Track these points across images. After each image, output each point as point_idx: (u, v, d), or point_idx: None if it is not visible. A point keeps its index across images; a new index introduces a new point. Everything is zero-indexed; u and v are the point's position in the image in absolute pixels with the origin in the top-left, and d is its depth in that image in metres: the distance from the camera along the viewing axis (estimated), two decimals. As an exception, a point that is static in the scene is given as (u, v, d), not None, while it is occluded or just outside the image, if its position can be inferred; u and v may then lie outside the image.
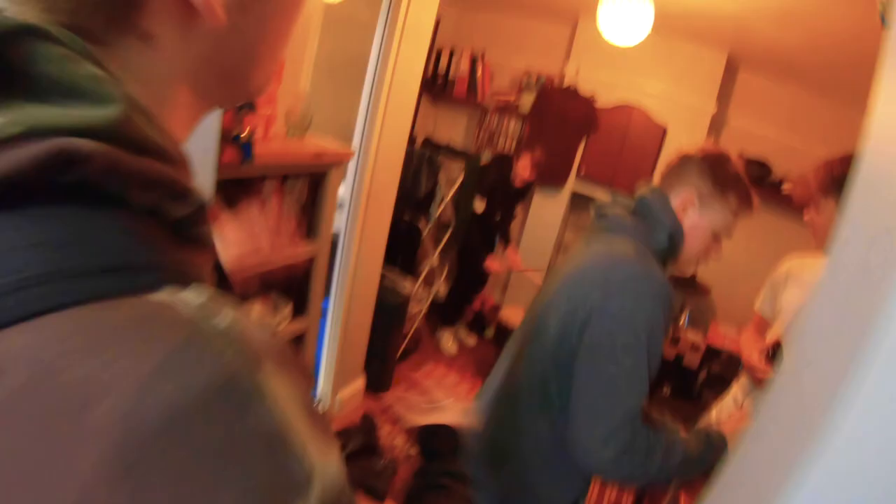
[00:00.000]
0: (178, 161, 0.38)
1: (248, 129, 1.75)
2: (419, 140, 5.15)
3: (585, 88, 5.07)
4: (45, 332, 0.27)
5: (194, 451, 0.26)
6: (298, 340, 2.54)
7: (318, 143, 2.40)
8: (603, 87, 5.04)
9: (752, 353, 2.04)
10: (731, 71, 4.76)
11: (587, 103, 5.03)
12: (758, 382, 1.98)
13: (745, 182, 1.50)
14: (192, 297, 0.31)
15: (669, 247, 1.49)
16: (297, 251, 2.36)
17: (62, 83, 0.32)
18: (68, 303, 0.28)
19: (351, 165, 3.12)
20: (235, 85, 0.48)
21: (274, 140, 2.19)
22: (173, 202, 0.35)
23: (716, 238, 1.53)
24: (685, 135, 4.77)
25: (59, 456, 0.24)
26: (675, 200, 1.51)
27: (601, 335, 1.34)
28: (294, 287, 2.49)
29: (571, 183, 5.24)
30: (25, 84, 0.32)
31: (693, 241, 1.51)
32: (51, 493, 0.23)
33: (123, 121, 0.33)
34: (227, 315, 0.31)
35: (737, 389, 2.25)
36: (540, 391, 1.47)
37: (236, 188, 2.11)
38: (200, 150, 1.64)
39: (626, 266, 1.39)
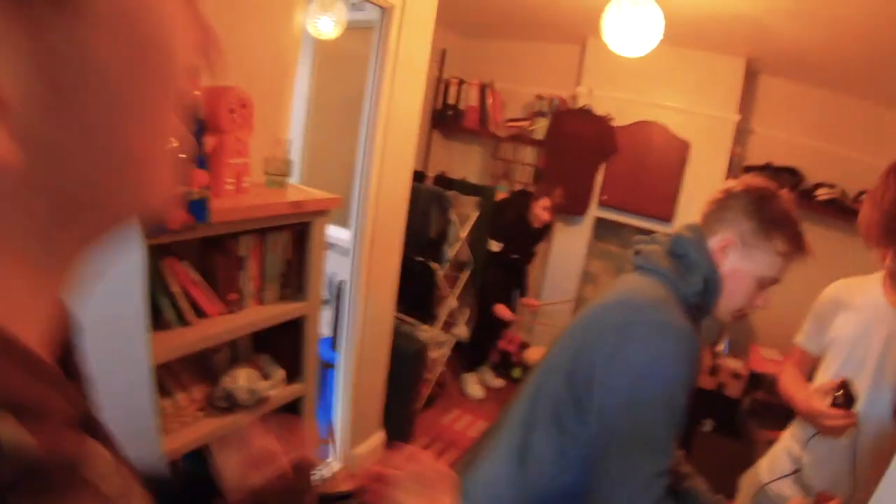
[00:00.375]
0: None
1: (197, 186, 1.54)
2: (431, 176, 4.95)
3: (600, 109, 4.86)
4: None
5: None
6: (294, 406, 2.31)
7: (302, 191, 2.20)
8: (618, 106, 4.82)
9: (810, 398, 1.71)
10: (751, 76, 4.53)
11: (603, 124, 4.81)
12: (828, 430, 1.64)
13: (794, 221, 1.33)
14: None
15: (704, 292, 1.32)
16: (284, 310, 2.14)
17: None
18: None
19: (353, 209, 2.94)
20: (100, 213, 0.38)
21: (248, 192, 1.98)
22: None
23: (760, 285, 1.35)
24: (709, 148, 4.54)
25: None
26: (715, 241, 1.36)
27: (611, 387, 1.22)
28: (286, 350, 2.27)
29: (594, 209, 4.99)
30: None
31: (733, 287, 1.35)
32: None
33: None
34: None
35: (789, 439, 1.94)
36: (553, 425, 1.33)
37: (209, 248, 1.92)
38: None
39: (648, 311, 1.26)
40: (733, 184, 1.39)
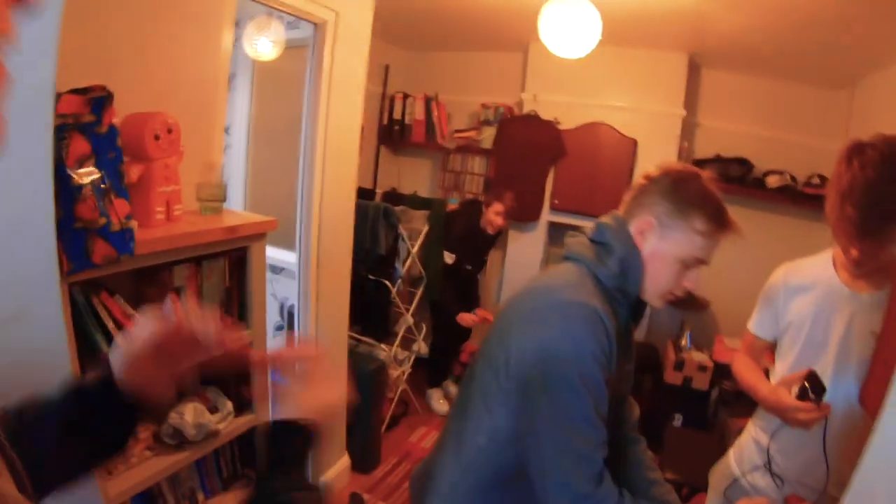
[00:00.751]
0: None
1: (118, 217, 1.47)
2: (380, 192, 4.90)
3: (546, 114, 4.87)
4: None
5: None
6: (247, 437, 2.22)
7: (236, 217, 2.13)
8: (564, 110, 4.84)
9: (775, 391, 1.67)
10: (694, 71, 4.60)
11: (550, 128, 4.82)
12: (799, 424, 1.60)
13: (712, 199, 1.32)
14: None
15: (622, 274, 1.33)
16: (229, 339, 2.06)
17: None
18: None
19: (297, 232, 2.88)
20: None
21: (181, 220, 1.91)
22: None
23: (685, 266, 1.34)
24: (657, 144, 4.58)
25: None
26: (634, 225, 1.37)
27: (524, 367, 1.27)
28: (235, 380, 2.19)
29: (546, 214, 5.00)
30: None
31: (656, 269, 1.35)
32: None
33: None
34: None
35: (755, 430, 1.91)
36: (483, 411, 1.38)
37: (143, 279, 1.84)
38: (33, 249, 1.37)
39: (556, 293, 1.32)
40: (652, 170, 1.40)
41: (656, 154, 4.52)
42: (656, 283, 1.35)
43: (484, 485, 1.37)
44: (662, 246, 1.33)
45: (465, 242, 4.45)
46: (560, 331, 1.24)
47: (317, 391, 0.91)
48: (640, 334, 4.82)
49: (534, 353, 1.25)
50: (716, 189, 1.34)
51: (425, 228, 4.43)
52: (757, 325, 1.94)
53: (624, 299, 1.35)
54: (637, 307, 1.43)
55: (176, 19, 2.02)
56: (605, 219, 1.43)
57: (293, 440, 0.87)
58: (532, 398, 1.24)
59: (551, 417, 1.21)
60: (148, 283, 1.85)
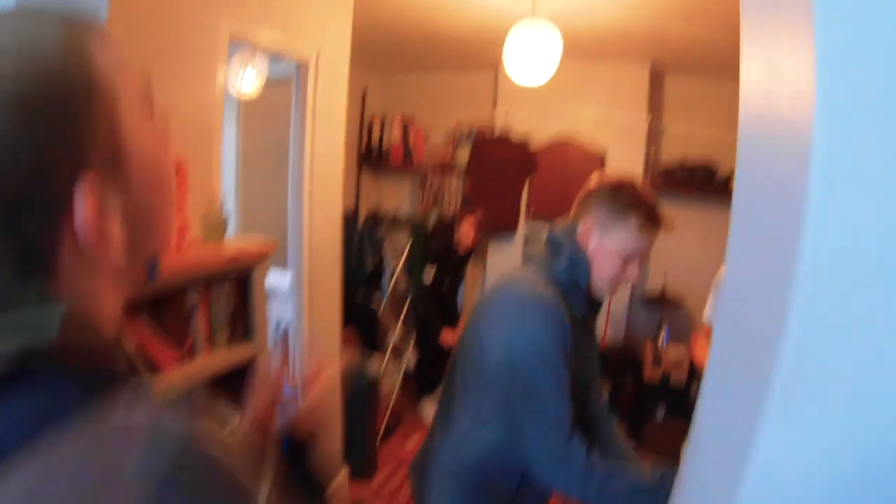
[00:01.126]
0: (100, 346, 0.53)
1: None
2: (363, 216, 5.12)
3: (518, 131, 5.11)
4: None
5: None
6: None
7: (238, 243, 2.33)
8: (535, 124, 5.10)
9: None
10: (657, 79, 4.86)
11: (521, 146, 5.06)
12: None
13: (646, 202, 1.54)
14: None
15: (572, 270, 1.56)
16: (235, 353, 2.26)
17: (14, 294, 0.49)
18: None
19: (289, 255, 3.07)
20: (141, 269, 0.65)
21: (190, 248, 2.11)
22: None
23: (626, 260, 1.56)
24: (625, 151, 4.84)
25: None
26: (580, 228, 1.58)
27: (496, 355, 1.49)
28: (242, 393, 2.37)
29: (523, 225, 5.22)
30: None
31: (600, 263, 1.56)
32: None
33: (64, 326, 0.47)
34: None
35: None
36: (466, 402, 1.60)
37: (158, 304, 2.03)
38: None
39: (515, 289, 1.54)
40: (596, 179, 1.63)
41: (624, 160, 4.77)
42: (602, 276, 1.56)
43: (469, 460, 1.57)
44: (604, 243, 1.54)
45: (442, 260, 4.64)
46: (520, 320, 1.47)
47: (313, 401, 1.02)
48: (619, 336, 5.03)
49: (501, 342, 1.48)
50: (648, 193, 1.56)
51: (408, 245, 4.64)
52: (710, 313, 2.16)
53: (577, 291, 1.57)
54: (594, 301, 1.66)
55: (177, 58, 2.20)
56: (557, 224, 1.65)
57: (303, 455, 0.98)
58: (504, 380, 1.47)
59: (522, 395, 1.44)
60: (164, 305, 2.04)
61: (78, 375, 0.48)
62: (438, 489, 1.64)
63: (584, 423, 1.47)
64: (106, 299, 0.58)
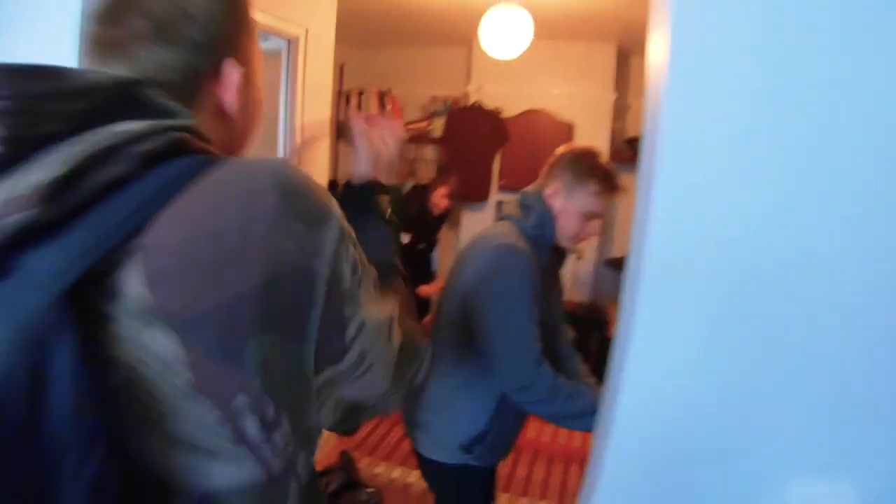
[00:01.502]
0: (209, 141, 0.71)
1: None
2: (341, 184, 5.32)
3: (490, 103, 5.36)
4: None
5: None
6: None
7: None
8: (506, 99, 5.34)
9: None
10: (623, 58, 5.14)
11: (494, 117, 5.31)
12: None
13: (604, 170, 1.80)
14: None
15: (540, 226, 1.81)
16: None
17: (167, 108, 0.66)
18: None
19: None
20: (239, 143, 0.86)
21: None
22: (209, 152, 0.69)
23: (587, 218, 1.82)
24: (592, 126, 5.10)
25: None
26: (547, 191, 1.83)
27: (477, 294, 1.74)
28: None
29: (495, 194, 5.50)
30: (146, 108, 0.64)
31: (564, 222, 1.81)
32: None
33: (195, 126, 0.68)
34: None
35: None
36: (452, 337, 1.85)
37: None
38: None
39: (491, 240, 1.78)
40: (562, 149, 1.89)
41: (591, 135, 5.02)
42: (565, 232, 1.82)
43: (454, 387, 1.86)
44: (568, 205, 1.80)
45: (417, 223, 4.89)
46: (495, 263, 1.73)
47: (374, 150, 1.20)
48: (586, 296, 5.34)
49: (479, 281, 1.75)
50: (606, 163, 1.82)
51: (388, 210, 4.87)
52: None
53: (544, 244, 1.83)
54: (559, 254, 1.93)
55: None
56: (528, 188, 1.89)
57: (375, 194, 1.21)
58: (481, 313, 1.72)
59: (496, 324, 1.70)
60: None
61: (205, 152, 0.68)
62: (426, 414, 1.91)
63: (552, 359, 1.74)
64: (229, 150, 0.81)
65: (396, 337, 0.84)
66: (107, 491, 0.51)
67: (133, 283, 0.55)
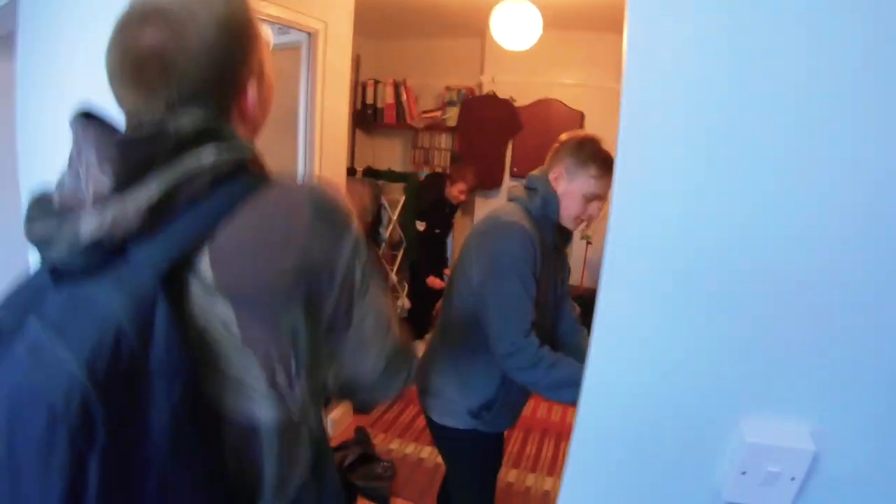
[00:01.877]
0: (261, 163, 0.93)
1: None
2: (359, 170, 5.52)
3: (503, 93, 5.48)
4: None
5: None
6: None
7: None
8: (519, 89, 5.45)
9: None
10: (633, 50, 5.15)
11: (507, 106, 5.43)
12: None
13: (603, 155, 1.90)
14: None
15: (544, 207, 1.92)
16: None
17: (230, 139, 0.86)
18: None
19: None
20: (257, 128, 1.03)
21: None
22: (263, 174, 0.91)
23: (588, 199, 1.92)
24: (602, 116, 5.10)
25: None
26: (551, 174, 1.94)
27: (481, 269, 1.87)
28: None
29: (507, 181, 5.62)
30: (217, 141, 0.84)
31: (568, 203, 1.92)
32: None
33: (250, 152, 0.89)
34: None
35: None
36: (463, 313, 1.96)
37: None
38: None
39: (498, 218, 1.90)
40: (566, 135, 1.99)
41: (601, 124, 5.03)
42: (568, 212, 1.92)
43: (461, 361, 2.00)
44: (570, 187, 1.90)
45: (434, 211, 5.04)
46: (499, 239, 1.85)
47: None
48: (587, 282, 5.44)
49: (484, 255, 1.87)
50: (606, 148, 1.91)
51: (402, 198, 5.05)
52: None
53: (548, 223, 1.94)
54: (564, 233, 2.04)
55: None
56: (534, 172, 2.00)
57: None
58: (483, 284, 1.84)
59: (494, 294, 1.82)
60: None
61: (259, 174, 0.90)
62: (437, 382, 2.05)
63: (552, 334, 1.85)
64: (249, 130, 1.02)
65: (394, 332, 1.04)
66: (185, 409, 0.75)
67: (203, 267, 0.79)
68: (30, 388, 0.69)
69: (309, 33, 3.23)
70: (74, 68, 1.80)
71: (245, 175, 0.87)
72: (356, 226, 0.93)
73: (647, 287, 0.95)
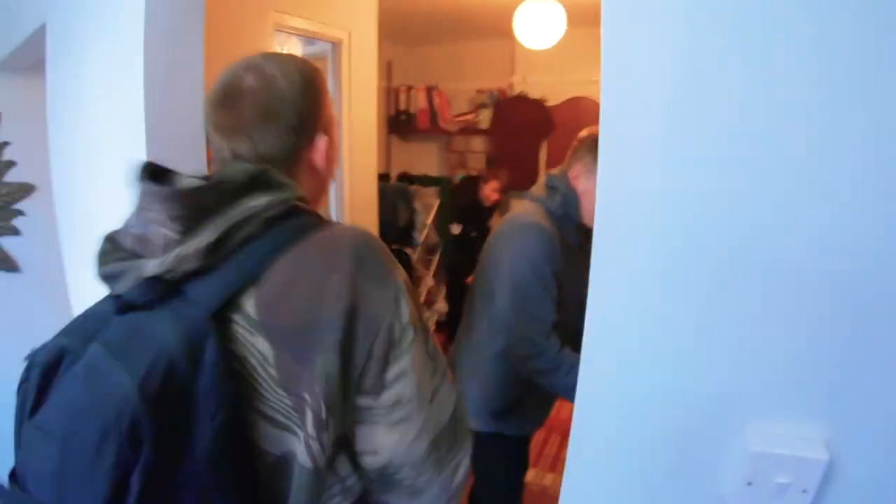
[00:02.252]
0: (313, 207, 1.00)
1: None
2: (394, 176, 5.55)
3: (535, 93, 5.46)
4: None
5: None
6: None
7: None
8: (550, 88, 5.43)
9: None
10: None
11: (539, 105, 5.42)
12: None
13: None
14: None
15: (564, 205, 1.89)
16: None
17: (282, 185, 0.93)
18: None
19: (332, 212, 3.48)
20: (325, 186, 1.13)
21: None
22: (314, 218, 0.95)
23: None
24: (632, 112, 5.06)
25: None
26: (571, 173, 1.91)
27: (500, 271, 1.87)
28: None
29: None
30: (269, 186, 0.92)
31: (588, 202, 1.89)
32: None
33: (301, 196, 0.95)
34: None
35: None
36: (485, 315, 1.96)
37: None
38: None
39: (518, 219, 1.90)
40: (584, 132, 1.97)
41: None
42: (589, 210, 1.89)
43: (486, 360, 1.96)
44: (589, 185, 1.86)
45: (469, 213, 5.05)
46: (517, 239, 1.85)
47: None
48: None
49: (503, 256, 1.87)
50: None
51: (437, 202, 5.06)
52: None
53: (569, 222, 1.91)
54: (587, 232, 2.01)
55: (234, 46, 2.56)
56: (554, 170, 1.99)
57: None
58: (503, 285, 1.84)
59: (513, 295, 1.81)
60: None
61: (310, 218, 0.94)
62: (460, 384, 2.00)
63: (575, 334, 1.83)
64: (318, 195, 1.11)
65: (442, 406, 0.98)
66: (225, 434, 0.79)
67: (249, 305, 0.85)
68: (87, 403, 0.75)
69: (333, 43, 3.25)
70: (98, 91, 1.84)
71: (295, 219, 0.92)
72: (400, 279, 0.94)
73: (646, 275, 0.89)
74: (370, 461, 0.95)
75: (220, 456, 0.79)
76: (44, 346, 0.85)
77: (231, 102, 0.99)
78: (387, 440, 0.93)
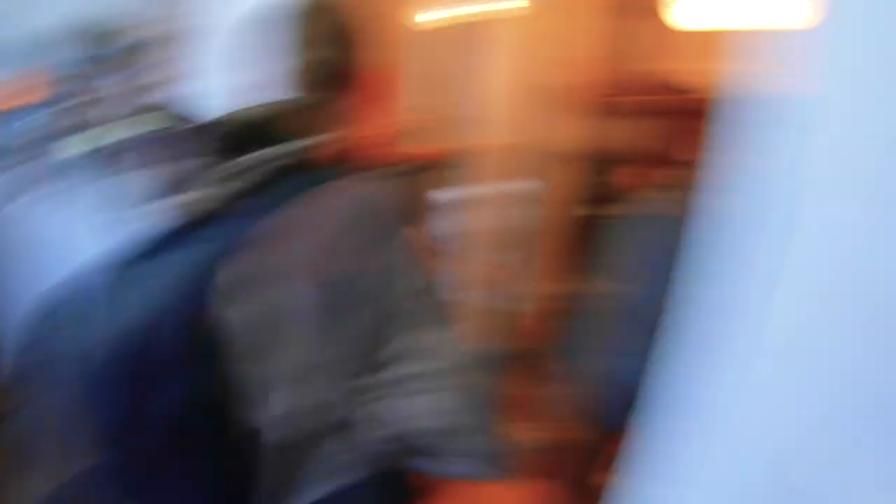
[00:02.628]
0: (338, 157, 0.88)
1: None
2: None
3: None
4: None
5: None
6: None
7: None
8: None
9: None
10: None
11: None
12: None
13: None
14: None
15: None
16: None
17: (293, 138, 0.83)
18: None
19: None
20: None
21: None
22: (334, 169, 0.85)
23: None
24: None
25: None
26: None
27: None
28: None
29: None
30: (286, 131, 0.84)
31: None
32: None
33: (313, 148, 0.84)
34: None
35: None
36: None
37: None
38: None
39: None
40: None
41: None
42: None
43: None
44: None
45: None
46: None
47: None
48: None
49: None
50: None
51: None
52: None
53: None
54: None
55: None
56: None
57: None
58: None
59: None
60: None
61: (329, 169, 0.83)
62: None
63: None
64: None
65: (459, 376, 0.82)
66: (203, 387, 0.75)
67: (238, 263, 0.77)
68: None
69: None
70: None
71: (308, 172, 0.83)
72: (407, 244, 0.81)
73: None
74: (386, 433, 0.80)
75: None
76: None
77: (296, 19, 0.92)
78: (407, 409, 0.79)
